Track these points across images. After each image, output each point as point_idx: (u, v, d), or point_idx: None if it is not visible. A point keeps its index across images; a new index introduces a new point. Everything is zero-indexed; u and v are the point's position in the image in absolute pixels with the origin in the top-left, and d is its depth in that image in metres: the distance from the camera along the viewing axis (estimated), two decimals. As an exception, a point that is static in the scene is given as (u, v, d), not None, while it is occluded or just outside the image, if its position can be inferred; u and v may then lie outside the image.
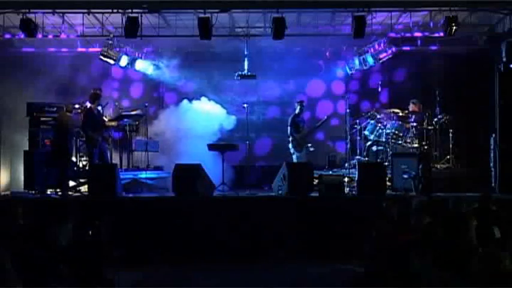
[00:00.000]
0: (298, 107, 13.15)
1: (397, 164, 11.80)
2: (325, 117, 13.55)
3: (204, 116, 13.69)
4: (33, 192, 11.67)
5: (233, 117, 13.89)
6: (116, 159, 13.06)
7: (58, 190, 11.68)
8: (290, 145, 12.96)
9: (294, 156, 12.88)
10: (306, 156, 12.96)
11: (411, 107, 13.34)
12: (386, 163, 12.26)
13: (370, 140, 13.25)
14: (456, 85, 14.22)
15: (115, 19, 12.08)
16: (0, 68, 13.58)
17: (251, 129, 13.22)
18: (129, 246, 9.69)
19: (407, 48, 13.73)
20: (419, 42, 13.41)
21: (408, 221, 6.74)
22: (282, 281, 9.27)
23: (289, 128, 12.99)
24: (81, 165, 12.85)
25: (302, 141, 12.92)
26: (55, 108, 13.04)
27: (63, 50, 13.88)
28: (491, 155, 12.42)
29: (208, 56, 14.20)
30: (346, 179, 11.98)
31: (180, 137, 13.33)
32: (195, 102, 13.94)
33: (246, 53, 13.13)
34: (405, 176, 11.33)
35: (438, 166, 13.05)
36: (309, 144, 13.12)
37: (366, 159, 13.09)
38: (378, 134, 13.16)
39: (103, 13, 11.94)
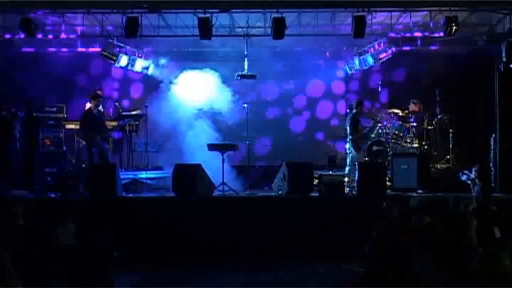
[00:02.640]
0: (358, 107, 12.66)
1: (397, 164, 11.80)
2: (377, 118, 13.27)
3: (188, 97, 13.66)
4: (33, 192, 11.66)
5: (228, 90, 13.71)
6: (116, 159, 13.07)
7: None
8: (348, 145, 12.54)
9: (350, 156, 12.43)
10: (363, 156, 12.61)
11: (411, 107, 13.33)
12: (386, 163, 12.25)
13: (370, 139, 13.21)
14: (456, 85, 14.22)
15: (115, 19, 12.08)
16: (0, 68, 13.57)
17: (251, 129, 13.19)
18: (129, 246, 9.68)
19: (407, 48, 13.70)
20: (419, 42, 13.40)
21: (408, 221, 6.74)
22: (282, 281, 9.28)
23: (348, 127, 12.52)
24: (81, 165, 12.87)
25: (360, 141, 12.51)
26: (55, 108, 13.04)
27: (63, 50, 13.86)
28: (491, 155, 12.41)
29: (208, 56, 14.18)
30: (346, 179, 11.98)
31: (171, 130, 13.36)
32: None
33: (246, 53, 13.12)
34: (463, 178, 11.15)
35: (438, 166, 13.05)
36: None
37: (366, 159, 13.08)
38: (378, 134, 13.13)
39: (103, 13, 11.94)
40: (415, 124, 13.04)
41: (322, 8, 11.78)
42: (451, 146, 13.13)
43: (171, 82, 13.97)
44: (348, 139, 12.52)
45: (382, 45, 13.37)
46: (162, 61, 14.27)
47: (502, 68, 12.30)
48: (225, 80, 13.95)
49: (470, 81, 14.32)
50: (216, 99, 13.81)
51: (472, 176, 11.06)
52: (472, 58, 13.90)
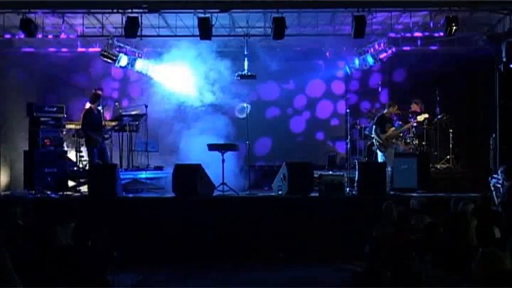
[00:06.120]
0: (390, 108, 12.33)
1: (397, 164, 11.79)
2: (415, 120, 12.99)
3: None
4: (33, 192, 11.67)
5: (228, 90, 13.68)
6: (116, 159, 13.07)
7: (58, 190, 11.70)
8: (374, 144, 12.37)
9: (379, 156, 12.25)
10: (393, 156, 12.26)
11: (413, 107, 13.32)
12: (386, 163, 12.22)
13: (370, 139, 13.19)
14: (456, 85, 14.22)
15: (115, 19, 12.07)
16: (0, 68, 13.56)
17: (251, 129, 13.20)
18: (129, 246, 9.68)
19: (407, 48, 13.69)
20: (419, 42, 13.39)
21: (408, 221, 6.73)
22: (282, 281, 9.29)
23: (373, 126, 12.33)
24: (81, 165, 12.87)
25: (386, 141, 12.11)
26: (55, 108, 13.05)
27: (63, 50, 13.85)
28: (491, 155, 12.41)
29: (208, 56, 14.16)
30: (346, 179, 11.97)
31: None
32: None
33: (246, 53, 13.12)
34: (493, 182, 10.63)
35: (438, 166, 13.05)
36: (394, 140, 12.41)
37: (366, 159, 13.08)
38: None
39: (103, 13, 11.93)
40: (415, 124, 13.04)
41: (322, 8, 11.77)
42: (451, 146, 13.14)
43: (170, 82, 13.96)
44: (373, 138, 12.30)
45: (382, 45, 13.36)
46: (162, 62, 14.23)
47: (502, 68, 12.29)
48: (225, 80, 13.95)
49: (470, 81, 14.32)
50: (216, 99, 13.80)
51: (500, 178, 10.99)
52: (472, 58, 13.89)
